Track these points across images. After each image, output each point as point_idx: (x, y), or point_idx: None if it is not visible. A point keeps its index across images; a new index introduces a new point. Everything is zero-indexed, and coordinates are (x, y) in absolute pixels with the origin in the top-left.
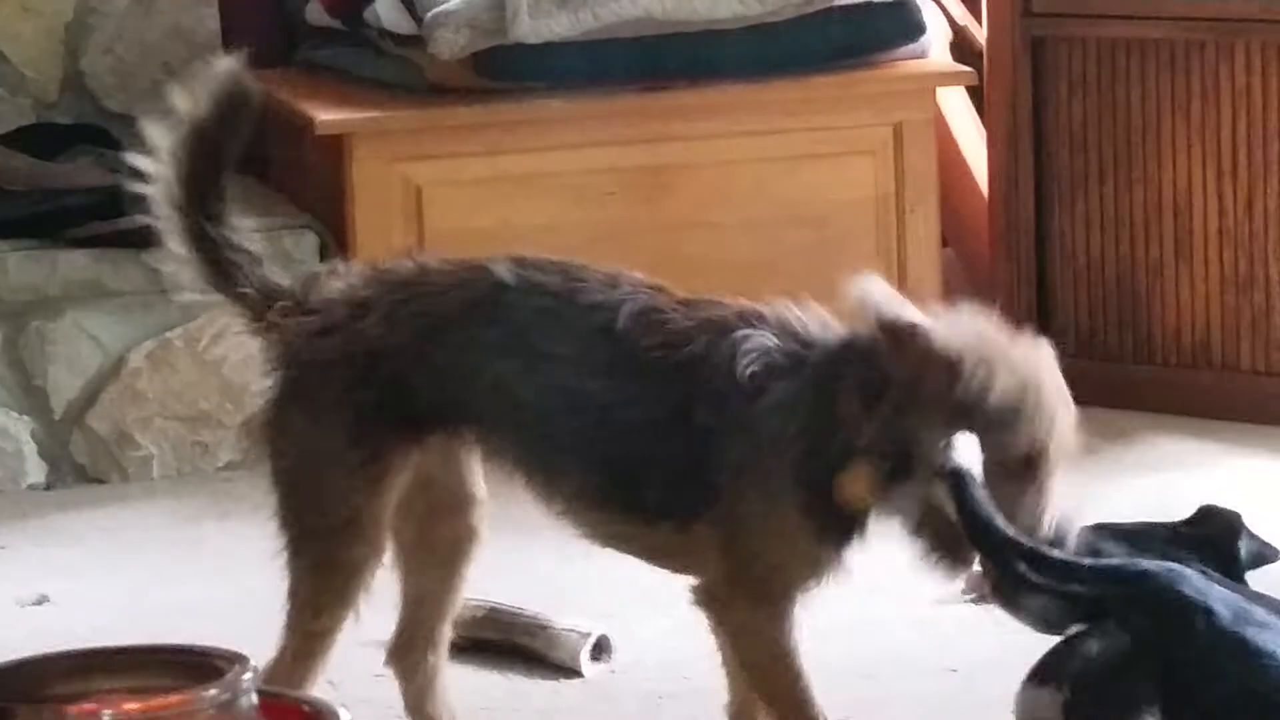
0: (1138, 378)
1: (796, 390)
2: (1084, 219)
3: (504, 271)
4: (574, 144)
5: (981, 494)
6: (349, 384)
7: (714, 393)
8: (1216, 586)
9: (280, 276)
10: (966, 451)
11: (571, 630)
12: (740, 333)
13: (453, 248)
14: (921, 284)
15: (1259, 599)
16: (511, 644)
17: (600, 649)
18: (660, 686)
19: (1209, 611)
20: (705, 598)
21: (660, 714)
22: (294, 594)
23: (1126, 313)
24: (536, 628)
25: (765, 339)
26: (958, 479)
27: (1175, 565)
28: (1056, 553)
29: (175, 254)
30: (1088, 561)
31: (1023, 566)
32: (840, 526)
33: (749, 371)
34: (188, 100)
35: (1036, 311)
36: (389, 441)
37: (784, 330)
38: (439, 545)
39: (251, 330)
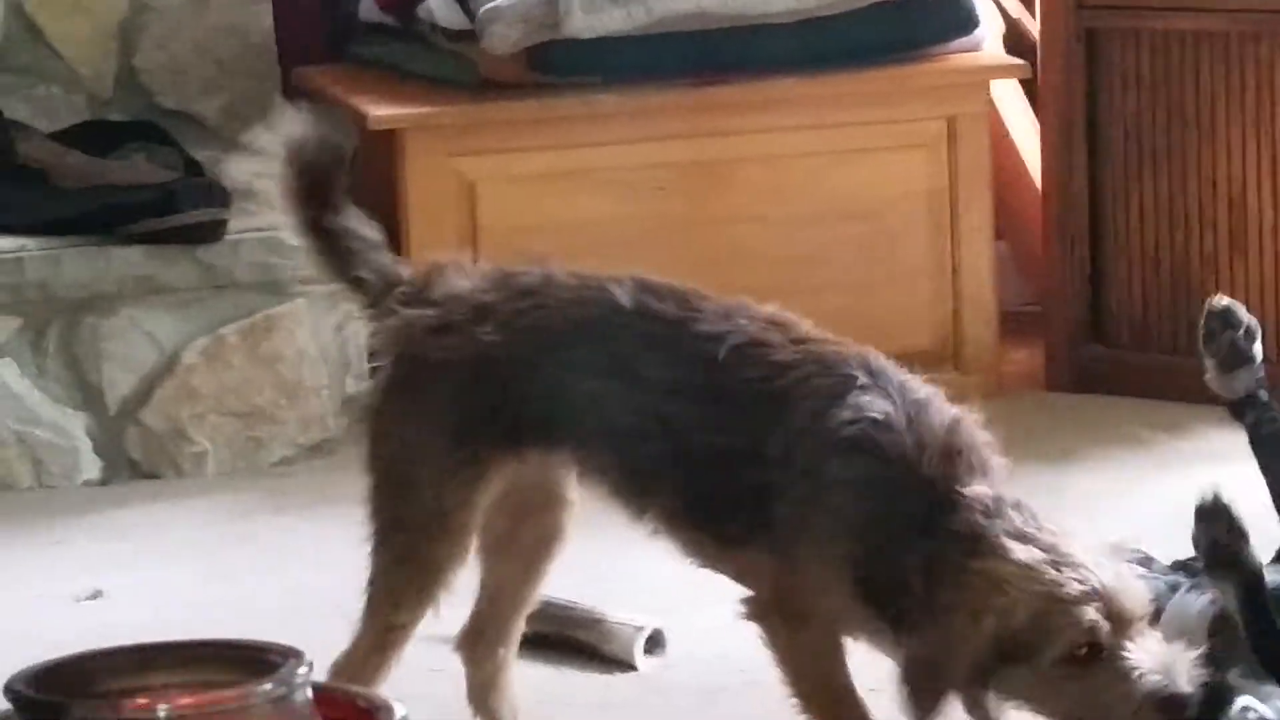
0: (1192, 370)
1: (881, 480)
2: (1138, 211)
3: (622, 294)
4: (627, 139)
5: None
6: (460, 386)
7: (797, 425)
8: None
9: (401, 265)
10: None
11: (625, 624)
12: (856, 379)
13: (505, 243)
14: (976, 279)
15: None
16: (565, 637)
17: (654, 643)
18: (714, 680)
19: None
20: (756, 612)
21: (714, 708)
22: (375, 586)
23: (1181, 305)
24: (591, 621)
25: (880, 403)
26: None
27: None
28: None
29: (296, 245)
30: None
31: None
32: (884, 603)
33: (843, 422)
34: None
35: (1090, 305)
36: (490, 448)
37: (903, 400)
38: (524, 540)
39: (368, 316)
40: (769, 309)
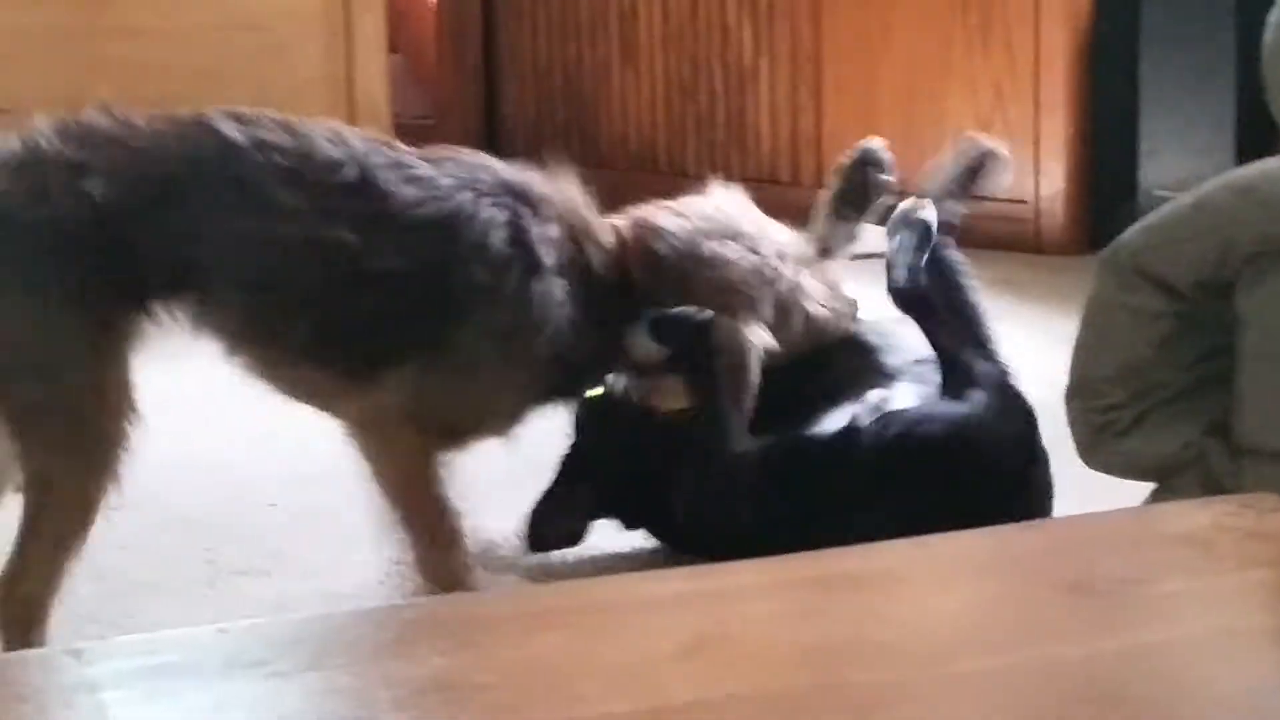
0: (585, 181)
1: (576, 293)
2: (531, 23)
3: (230, 129)
4: None
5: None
6: (73, 248)
7: (478, 256)
8: None
9: None
10: None
11: None
12: (517, 205)
13: None
14: (370, 90)
15: None
16: None
17: None
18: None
19: None
20: (368, 423)
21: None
22: (35, 491)
23: (574, 116)
24: None
25: (548, 230)
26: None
27: None
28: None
29: None
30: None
31: None
32: (545, 399)
33: (514, 252)
34: None
35: (485, 116)
36: (118, 308)
37: (564, 220)
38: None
39: None
40: (363, 130)
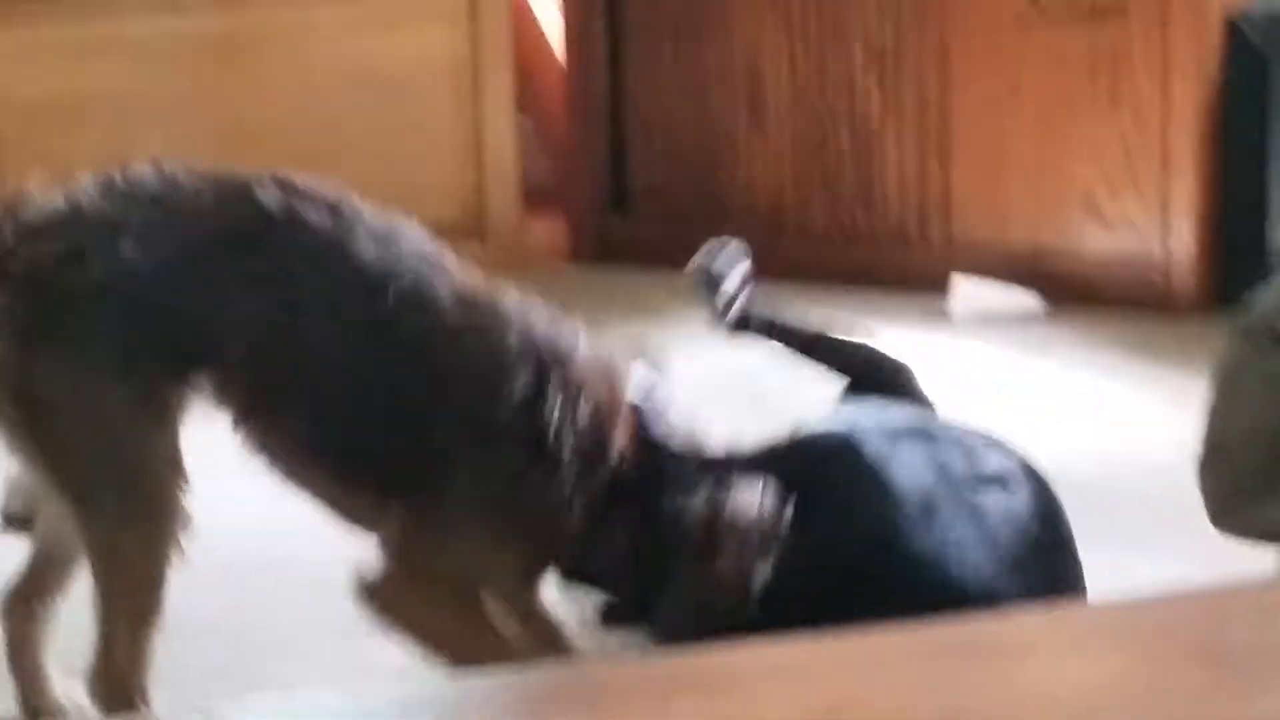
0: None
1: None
2: (658, 85)
3: (269, 199)
4: (145, 9)
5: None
6: (115, 314)
7: (479, 410)
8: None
9: None
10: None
11: None
12: (551, 369)
13: (27, 115)
14: (499, 151)
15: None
16: None
17: None
18: (246, 559)
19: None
20: (371, 593)
21: (247, 586)
22: (108, 569)
23: (700, 177)
24: None
25: (573, 405)
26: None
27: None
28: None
29: None
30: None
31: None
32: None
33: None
34: None
35: (611, 177)
36: (162, 379)
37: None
38: None
39: None
40: (421, 232)
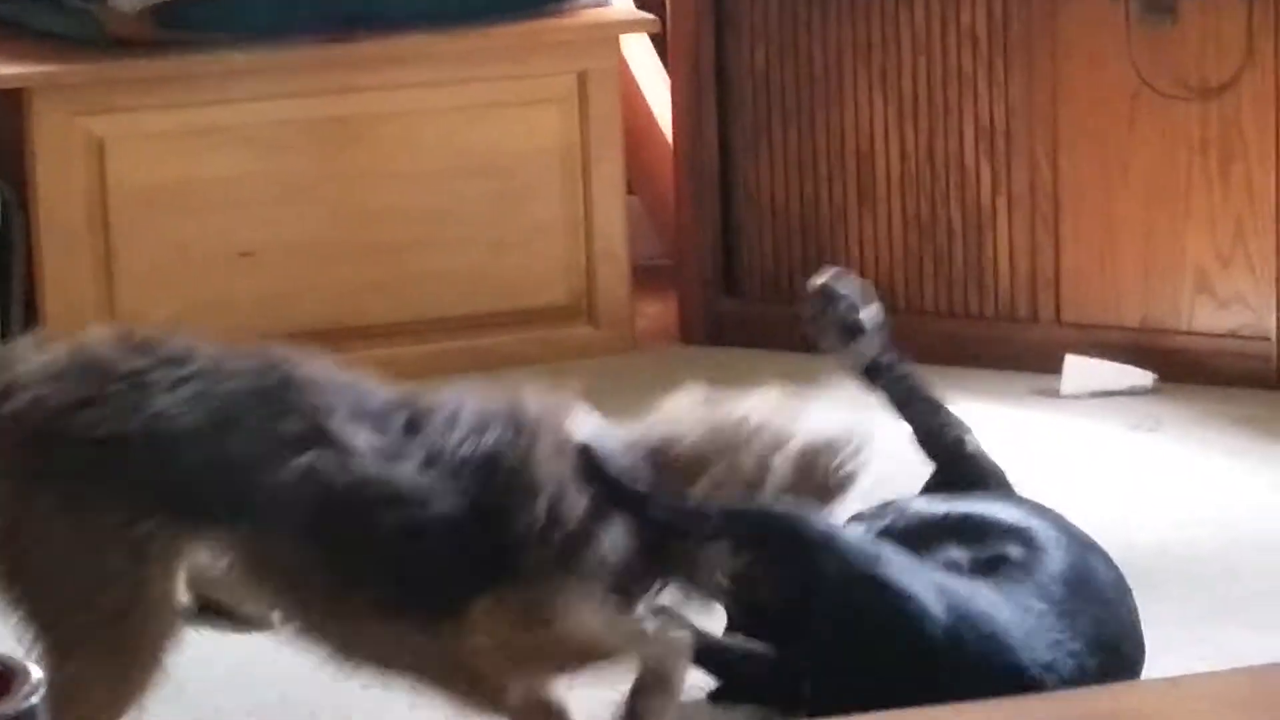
0: None
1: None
2: (768, 165)
3: (290, 365)
4: (257, 96)
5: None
6: (128, 461)
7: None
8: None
9: None
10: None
11: None
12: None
13: (137, 202)
14: (609, 233)
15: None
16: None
17: None
18: None
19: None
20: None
21: None
22: (68, 707)
23: (811, 257)
24: None
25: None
26: (588, 456)
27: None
28: (688, 503)
29: None
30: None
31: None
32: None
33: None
34: None
35: (722, 258)
36: (172, 527)
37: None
38: None
39: None
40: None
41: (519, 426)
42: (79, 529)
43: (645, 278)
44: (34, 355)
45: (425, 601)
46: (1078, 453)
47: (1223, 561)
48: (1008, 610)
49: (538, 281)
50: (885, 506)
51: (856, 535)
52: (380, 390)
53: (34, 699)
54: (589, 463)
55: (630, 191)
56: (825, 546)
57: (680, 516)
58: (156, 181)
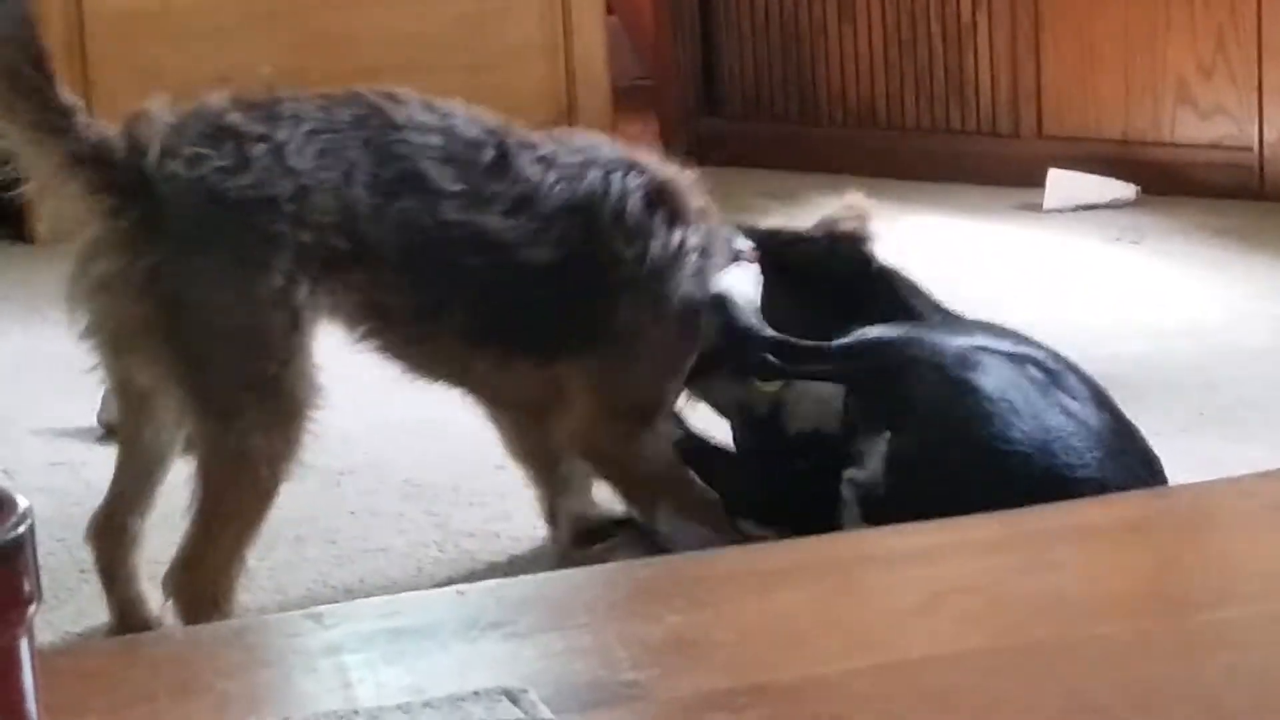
0: (805, 138)
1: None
2: None
3: (392, 108)
4: None
5: (742, 311)
6: (268, 221)
7: (621, 241)
8: (944, 339)
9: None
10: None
11: None
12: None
13: (113, 28)
14: (588, 54)
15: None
16: None
17: None
18: (339, 463)
19: (938, 365)
20: (578, 443)
21: (341, 491)
22: (235, 469)
23: (792, 75)
24: None
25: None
26: (720, 302)
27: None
28: (804, 341)
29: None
30: (830, 345)
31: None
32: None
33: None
34: None
35: (703, 77)
36: (308, 282)
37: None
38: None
39: (103, 192)
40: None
41: (620, 172)
42: (246, 290)
43: (626, 98)
44: (168, 116)
45: (520, 345)
46: (1061, 266)
47: (1202, 373)
48: (1071, 423)
49: (517, 104)
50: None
51: (955, 345)
52: (474, 124)
53: (21, 529)
54: (719, 302)
55: (609, 12)
56: (926, 360)
57: (800, 355)
58: (132, 8)
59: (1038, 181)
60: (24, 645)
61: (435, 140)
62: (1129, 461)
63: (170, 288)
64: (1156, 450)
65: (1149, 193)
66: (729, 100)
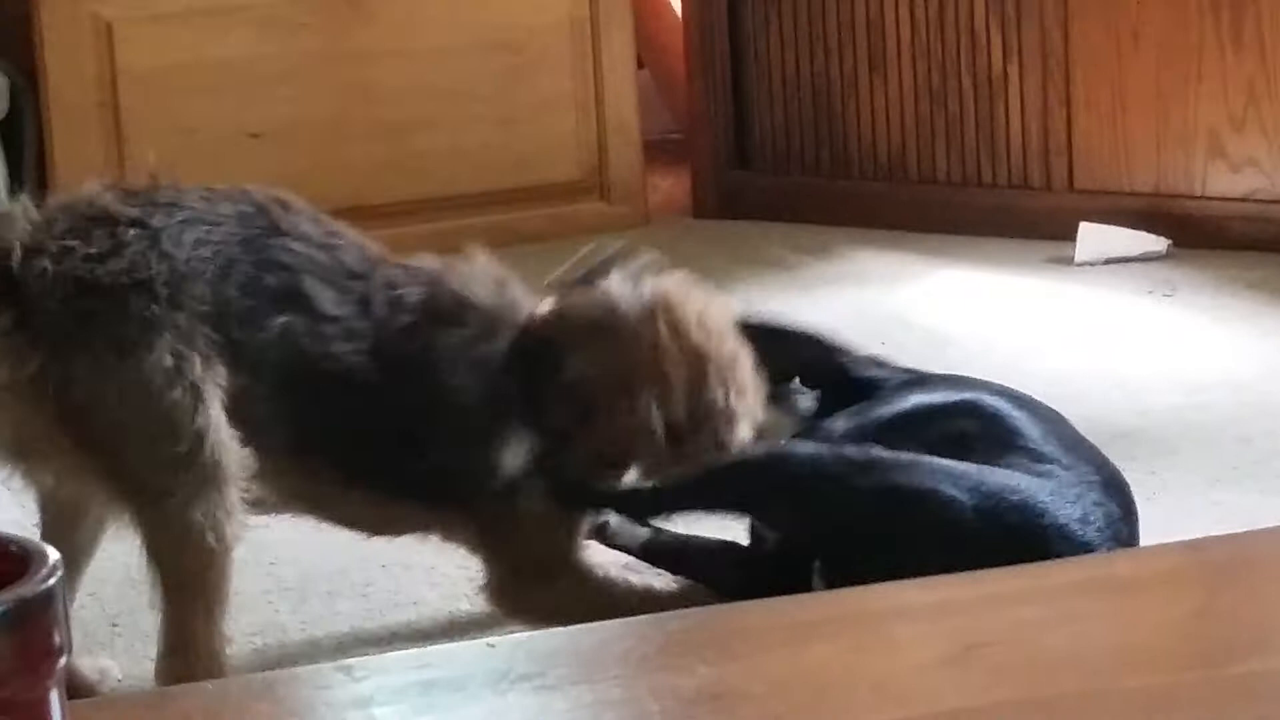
0: (836, 192)
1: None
2: (778, 36)
3: (277, 212)
4: None
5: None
6: (160, 304)
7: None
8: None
9: None
10: None
11: None
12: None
13: (147, 84)
14: (619, 108)
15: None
16: None
17: None
18: None
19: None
20: (498, 605)
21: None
22: (181, 543)
23: (823, 128)
24: None
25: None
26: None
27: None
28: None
29: None
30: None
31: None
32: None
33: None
34: None
35: (734, 130)
36: (203, 367)
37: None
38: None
39: None
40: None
41: (458, 315)
42: (134, 377)
43: (657, 151)
44: (32, 214)
45: (407, 499)
46: (1092, 320)
47: (1236, 426)
48: (1019, 477)
49: (549, 157)
50: (809, 432)
51: (837, 452)
52: (357, 250)
53: (51, 581)
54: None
55: (640, 66)
56: (816, 474)
57: (653, 500)
58: (165, 63)
59: (1069, 235)
60: (54, 697)
61: (320, 258)
62: (1085, 493)
63: (62, 390)
64: (1190, 503)
65: (1180, 246)
66: (760, 154)
